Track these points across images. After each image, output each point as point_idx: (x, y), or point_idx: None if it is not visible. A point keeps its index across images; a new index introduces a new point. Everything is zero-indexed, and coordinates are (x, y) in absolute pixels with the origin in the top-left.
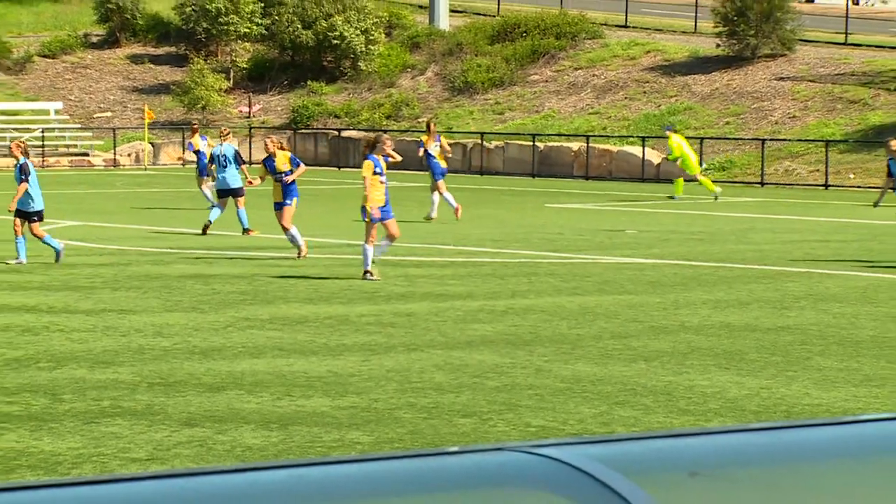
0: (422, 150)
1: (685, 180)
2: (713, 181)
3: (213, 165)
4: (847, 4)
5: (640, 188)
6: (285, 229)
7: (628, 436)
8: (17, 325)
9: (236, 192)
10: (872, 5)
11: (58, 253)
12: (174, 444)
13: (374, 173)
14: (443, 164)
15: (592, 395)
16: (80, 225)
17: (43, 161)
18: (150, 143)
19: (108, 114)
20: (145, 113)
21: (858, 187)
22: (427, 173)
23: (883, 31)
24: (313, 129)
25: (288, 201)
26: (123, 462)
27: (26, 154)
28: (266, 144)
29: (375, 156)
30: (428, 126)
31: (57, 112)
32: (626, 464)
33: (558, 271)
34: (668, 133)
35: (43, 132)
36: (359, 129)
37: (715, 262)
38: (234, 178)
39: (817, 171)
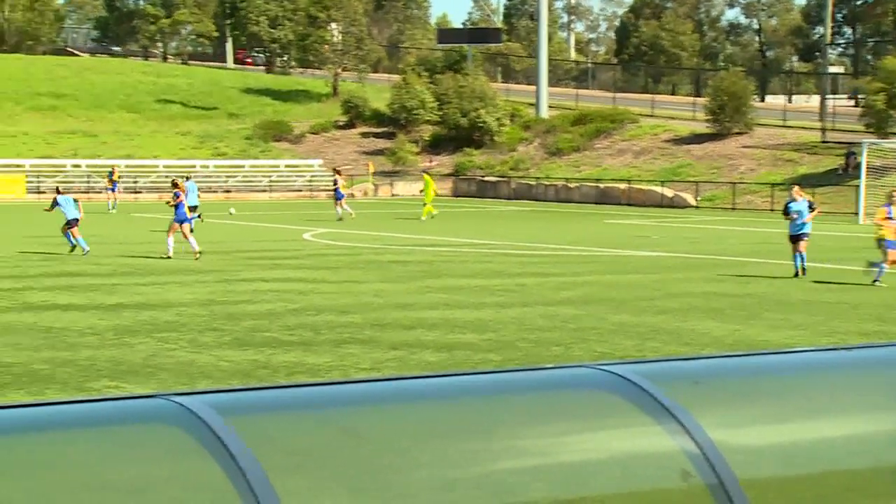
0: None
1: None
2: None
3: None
4: (784, 103)
5: (660, 211)
6: (185, 236)
7: (655, 359)
8: (294, 290)
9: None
10: (800, 103)
11: (84, 250)
12: (385, 360)
13: (887, 218)
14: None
15: (632, 333)
16: (331, 231)
17: (311, 195)
18: (373, 184)
19: (348, 166)
20: (369, 166)
21: None
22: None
23: (806, 119)
24: (467, 176)
25: (180, 219)
26: (356, 371)
27: (58, 192)
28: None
29: (890, 205)
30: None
31: (319, 165)
32: (654, 375)
33: (612, 260)
34: (424, 174)
35: (311, 177)
36: (494, 176)
37: (704, 254)
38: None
39: (767, 201)
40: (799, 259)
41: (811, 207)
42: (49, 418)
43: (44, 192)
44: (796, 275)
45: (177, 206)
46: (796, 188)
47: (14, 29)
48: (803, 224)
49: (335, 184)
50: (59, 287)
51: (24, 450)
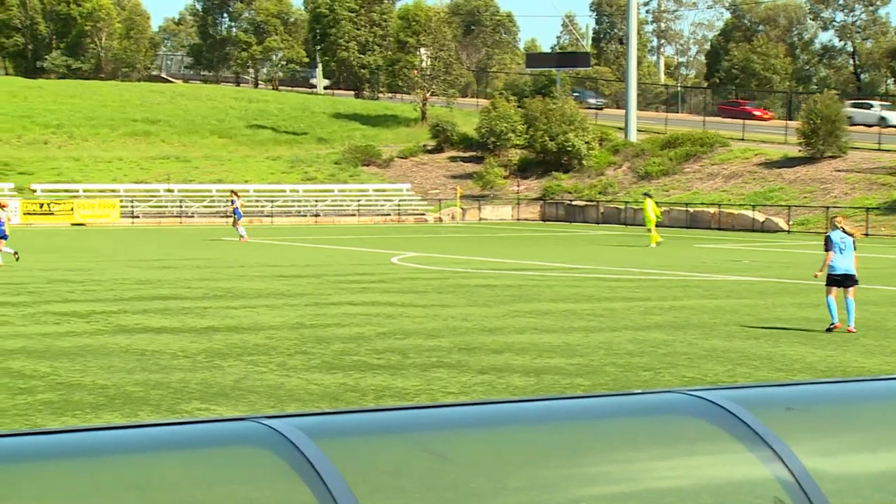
0: None
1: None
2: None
3: None
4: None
5: (751, 236)
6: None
7: (746, 384)
8: (383, 313)
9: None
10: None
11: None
12: (473, 384)
13: None
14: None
15: (722, 359)
16: (419, 255)
17: (399, 219)
18: (461, 208)
19: (436, 190)
20: (457, 190)
21: (887, 236)
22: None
23: None
24: (556, 200)
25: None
26: (444, 395)
27: None
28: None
29: None
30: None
31: (407, 190)
32: (746, 401)
33: (702, 284)
34: (644, 198)
35: (400, 202)
36: (582, 200)
37: (797, 279)
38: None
39: (861, 225)
40: (836, 307)
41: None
42: (142, 440)
43: (137, 217)
44: (830, 329)
45: None
46: (840, 218)
47: (110, 56)
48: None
49: (233, 204)
50: (152, 310)
51: (117, 471)
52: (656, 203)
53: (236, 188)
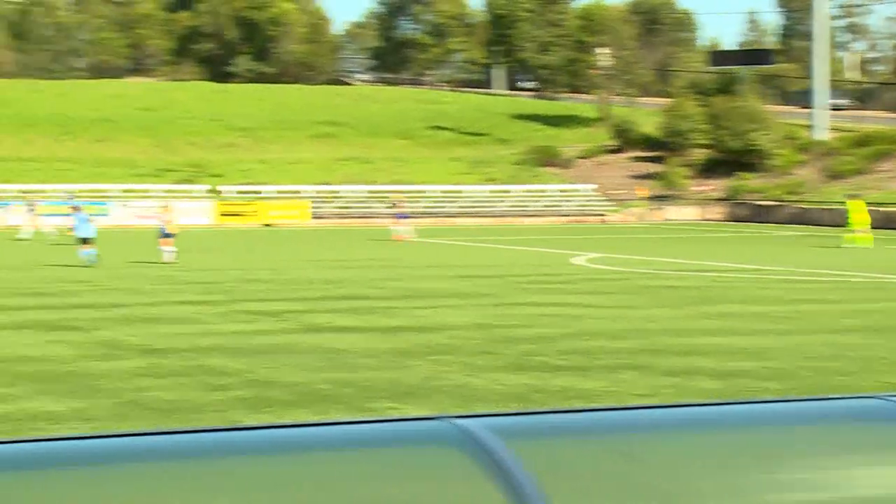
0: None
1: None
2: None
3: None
4: None
5: None
6: None
7: None
8: (567, 314)
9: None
10: None
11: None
12: (660, 386)
13: None
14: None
15: None
16: (602, 255)
17: (581, 219)
18: (649, 209)
19: (622, 191)
20: (639, 191)
21: None
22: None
23: None
24: (742, 200)
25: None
26: (631, 396)
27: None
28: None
29: None
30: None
31: (593, 190)
32: None
33: None
34: (847, 199)
35: (584, 202)
36: (769, 200)
37: None
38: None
39: None
40: None
41: None
42: (334, 437)
43: (323, 217)
44: None
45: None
46: None
47: (294, 60)
48: None
49: (394, 205)
50: (339, 309)
51: (310, 468)
52: (866, 203)
53: (399, 188)
